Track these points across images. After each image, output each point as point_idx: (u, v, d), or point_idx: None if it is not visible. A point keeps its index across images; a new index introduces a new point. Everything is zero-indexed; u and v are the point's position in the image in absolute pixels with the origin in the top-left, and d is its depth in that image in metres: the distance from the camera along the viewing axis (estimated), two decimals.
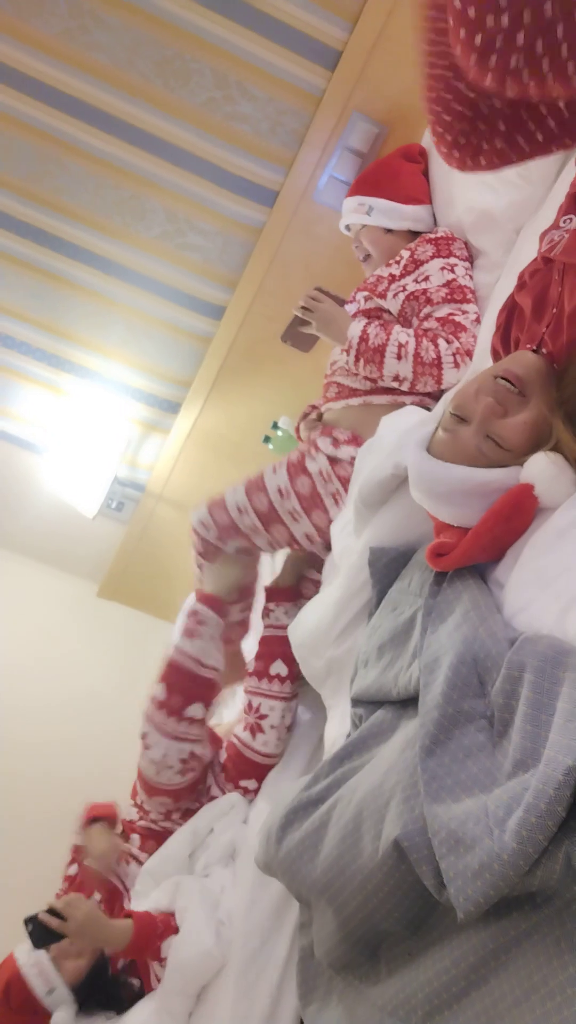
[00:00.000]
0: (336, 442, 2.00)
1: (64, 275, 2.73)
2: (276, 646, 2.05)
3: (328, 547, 2.03)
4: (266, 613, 2.13)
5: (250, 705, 2.03)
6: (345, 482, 1.98)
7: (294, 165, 2.53)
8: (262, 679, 2.03)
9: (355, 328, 1.90)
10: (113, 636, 3.11)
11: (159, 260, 2.71)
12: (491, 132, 1.15)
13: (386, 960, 1.13)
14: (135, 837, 2.13)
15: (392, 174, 2.12)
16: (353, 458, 1.98)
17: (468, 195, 2.03)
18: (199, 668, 2.02)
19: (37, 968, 1.78)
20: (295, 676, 2.03)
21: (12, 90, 2.45)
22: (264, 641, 2.10)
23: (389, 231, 2.12)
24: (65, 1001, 1.76)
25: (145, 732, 1.98)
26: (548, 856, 0.85)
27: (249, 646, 2.33)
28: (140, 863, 2.07)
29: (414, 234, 2.12)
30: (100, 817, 2.19)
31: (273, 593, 2.14)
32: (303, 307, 1.97)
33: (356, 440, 2.00)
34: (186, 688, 1.99)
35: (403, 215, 2.09)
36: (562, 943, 0.87)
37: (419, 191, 2.13)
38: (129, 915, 1.75)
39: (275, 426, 2.75)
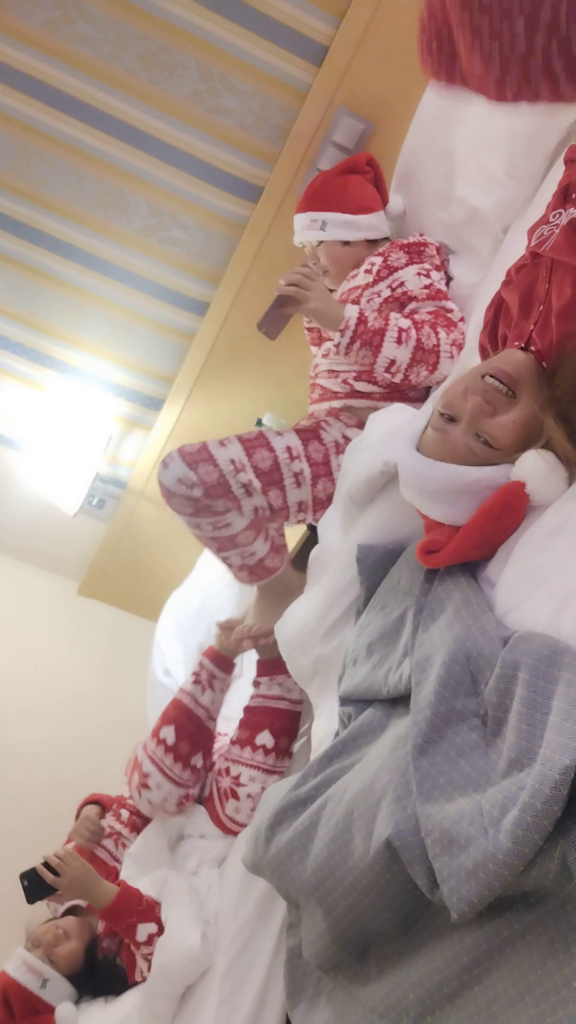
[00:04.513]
0: (346, 425, 2.00)
1: (44, 269, 2.70)
2: (264, 716, 1.99)
3: (310, 519, 2.01)
4: (255, 684, 2.07)
5: (227, 770, 1.97)
6: None
7: (279, 160, 2.51)
8: (245, 748, 1.97)
9: (352, 309, 1.84)
10: (93, 634, 3.08)
11: (141, 255, 2.69)
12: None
13: (376, 961, 1.12)
14: (124, 812, 2.15)
15: (340, 187, 2.09)
16: None
17: (457, 193, 2.02)
18: (208, 720, 2.04)
19: (25, 967, 1.81)
20: (281, 751, 1.97)
21: None
22: (251, 711, 2.03)
23: (346, 244, 2.10)
24: (63, 991, 1.80)
25: (148, 773, 1.96)
26: (543, 856, 0.85)
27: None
28: (124, 847, 2.09)
29: (371, 243, 2.10)
30: (96, 802, 2.23)
31: (263, 667, 2.06)
32: (293, 284, 1.84)
33: (361, 426, 1.98)
34: (194, 736, 2.00)
35: (358, 226, 2.07)
36: (557, 944, 0.87)
37: (369, 199, 2.10)
38: (119, 884, 1.79)
39: (259, 423, 2.74)
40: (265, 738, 1.96)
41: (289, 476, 1.91)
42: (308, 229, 2.11)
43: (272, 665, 2.04)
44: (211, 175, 2.56)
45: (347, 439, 1.98)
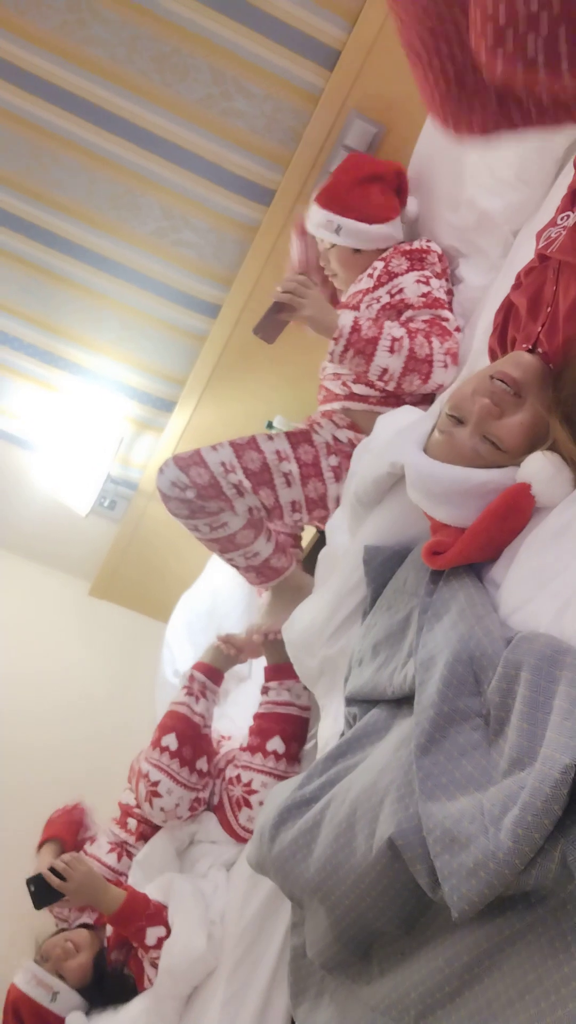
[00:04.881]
0: (337, 426, 2.06)
1: (58, 271, 2.72)
2: (275, 722, 2.00)
3: (305, 520, 2.06)
4: (264, 691, 2.07)
5: (238, 778, 1.98)
6: (346, 458, 2.00)
7: (291, 163, 2.52)
8: (256, 754, 1.97)
9: (347, 317, 1.86)
10: (105, 635, 3.09)
11: (154, 257, 2.70)
12: (484, 102, 1.12)
13: (379, 959, 1.12)
14: (132, 821, 2.14)
15: (363, 195, 2.09)
16: (351, 440, 2.03)
17: (468, 196, 2.03)
18: (205, 727, 2.06)
19: (35, 980, 1.80)
20: (292, 756, 1.97)
21: (7, 84, 2.44)
22: (261, 717, 2.04)
23: (357, 251, 2.11)
24: (73, 1004, 1.79)
25: (157, 781, 1.97)
26: (544, 855, 0.85)
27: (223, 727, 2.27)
28: (131, 857, 2.08)
29: (382, 249, 2.11)
30: (52, 838, 2.18)
31: (272, 671, 2.07)
32: (289, 291, 1.88)
33: (354, 427, 2.04)
34: (195, 740, 2.02)
35: (371, 236, 2.08)
36: (556, 943, 0.87)
37: (388, 209, 2.11)
38: (126, 889, 1.80)
39: (270, 425, 2.75)
40: (276, 744, 1.97)
41: (279, 476, 1.99)
42: (323, 228, 2.12)
43: (281, 670, 2.04)
44: (223, 178, 2.58)
45: (337, 440, 2.03)
